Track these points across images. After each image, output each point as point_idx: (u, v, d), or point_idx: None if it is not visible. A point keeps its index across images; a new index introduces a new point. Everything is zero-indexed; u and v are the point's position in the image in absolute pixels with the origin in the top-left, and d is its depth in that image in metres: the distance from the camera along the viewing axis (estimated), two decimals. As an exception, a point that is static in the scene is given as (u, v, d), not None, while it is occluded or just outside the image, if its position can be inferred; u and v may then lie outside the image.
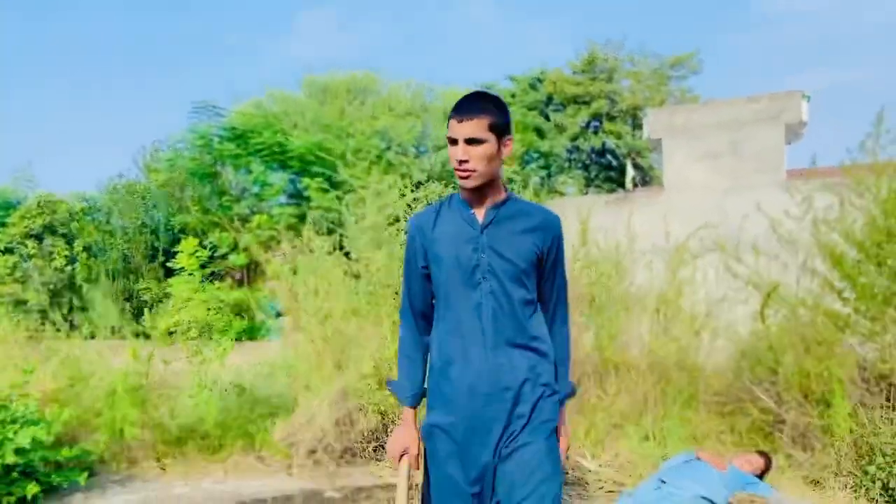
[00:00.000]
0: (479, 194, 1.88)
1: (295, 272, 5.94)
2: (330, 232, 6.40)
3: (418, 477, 2.01)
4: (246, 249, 17.73)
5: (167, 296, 16.52)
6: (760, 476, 3.97)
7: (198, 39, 49.31)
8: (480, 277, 1.84)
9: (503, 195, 1.92)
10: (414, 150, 20.67)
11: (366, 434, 4.71)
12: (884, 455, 3.50)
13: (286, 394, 5.49)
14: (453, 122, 1.82)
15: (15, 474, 3.78)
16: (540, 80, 31.10)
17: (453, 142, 1.83)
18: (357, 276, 5.71)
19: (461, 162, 1.80)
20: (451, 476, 1.85)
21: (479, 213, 1.89)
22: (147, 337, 6.39)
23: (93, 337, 7.61)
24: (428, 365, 1.97)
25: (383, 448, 4.77)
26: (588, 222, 5.21)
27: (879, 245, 4.29)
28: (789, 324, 4.36)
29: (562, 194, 26.29)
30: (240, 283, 17.52)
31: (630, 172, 25.50)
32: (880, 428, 3.71)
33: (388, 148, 18.85)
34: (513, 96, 30.79)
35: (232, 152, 16.51)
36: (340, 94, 20.09)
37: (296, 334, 6.09)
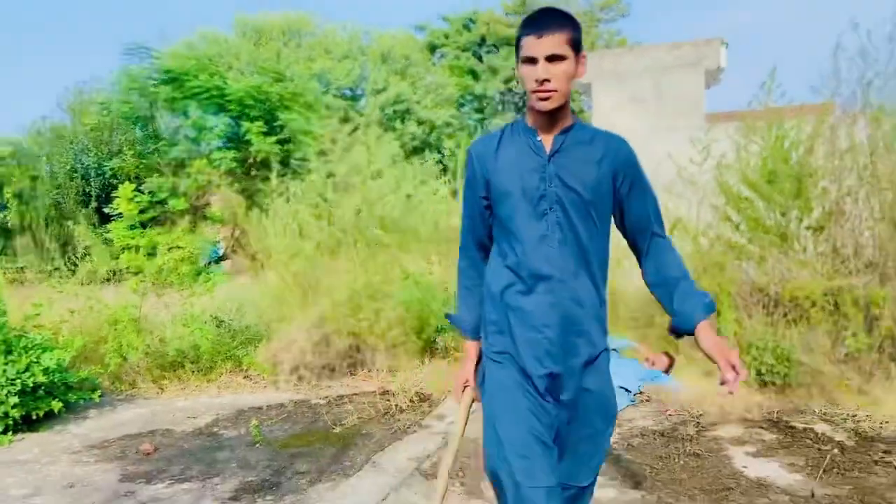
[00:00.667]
0: (549, 119, 1.76)
1: (266, 213, 6.48)
2: (293, 177, 6.92)
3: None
4: (185, 194, 17.79)
5: (106, 242, 16.55)
6: (666, 372, 4.95)
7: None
8: (547, 208, 1.75)
9: (570, 121, 1.80)
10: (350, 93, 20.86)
11: (341, 353, 5.44)
12: (756, 348, 4.50)
13: (259, 325, 6.14)
14: (530, 38, 1.68)
15: (41, 392, 4.34)
16: (473, 21, 31.30)
17: (530, 60, 1.68)
18: (319, 218, 6.32)
19: (542, 82, 1.67)
20: (509, 400, 1.79)
21: (546, 140, 1.78)
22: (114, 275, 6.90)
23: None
24: (485, 295, 1.91)
25: (357, 365, 5.52)
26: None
27: (767, 184, 5.24)
28: (692, 250, 5.31)
29: (496, 137, 27.02)
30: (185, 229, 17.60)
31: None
32: (756, 329, 4.72)
33: (327, 91, 18.98)
34: (446, 37, 30.94)
35: (168, 95, 16.32)
36: (275, 35, 19.90)
37: (263, 273, 6.69)
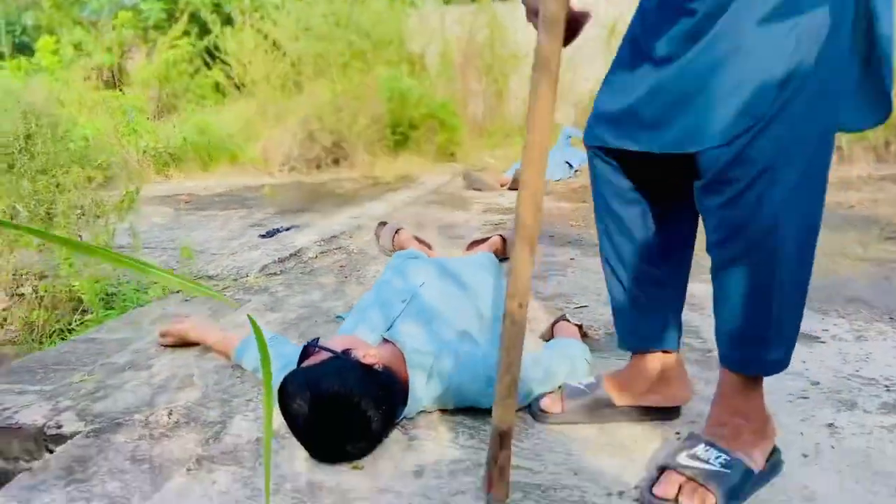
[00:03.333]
0: None
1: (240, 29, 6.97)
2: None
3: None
4: (110, 49, 17.22)
5: (30, 97, 16.09)
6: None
7: None
8: None
9: None
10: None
11: (326, 149, 6.24)
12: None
13: (238, 135, 6.79)
14: None
15: (76, 162, 4.97)
16: None
17: None
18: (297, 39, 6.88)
19: None
20: None
21: None
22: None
23: None
24: None
25: (339, 160, 6.36)
26: None
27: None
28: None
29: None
30: (109, 85, 17.15)
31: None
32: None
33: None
34: None
35: (85, -61, 15.48)
36: None
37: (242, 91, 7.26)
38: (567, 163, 5.60)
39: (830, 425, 1.34)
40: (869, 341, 1.79)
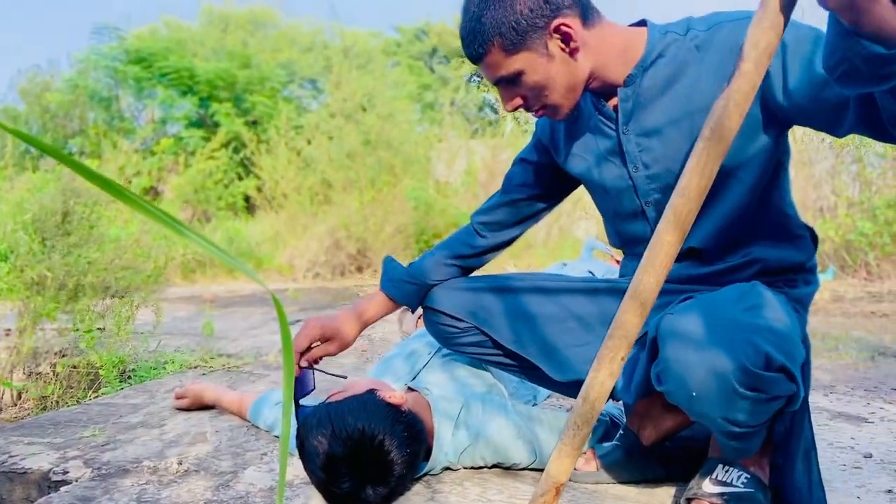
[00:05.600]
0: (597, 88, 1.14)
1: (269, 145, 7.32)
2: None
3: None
4: (149, 173, 18.15)
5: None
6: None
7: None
8: (640, 205, 1.18)
9: (639, 51, 1.10)
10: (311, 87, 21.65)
11: (350, 256, 6.34)
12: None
13: (266, 243, 6.97)
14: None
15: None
16: (425, 32, 32.53)
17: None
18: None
19: (518, 108, 1.14)
20: None
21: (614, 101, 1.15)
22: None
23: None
24: None
25: (363, 267, 6.44)
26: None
27: None
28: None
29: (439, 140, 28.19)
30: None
31: (510, 125, 27.56)
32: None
33: (292, 80, 19.75)
34: (398, 46, 32.02)
35: (136, 75, 16.78)
36: (242, 24, 20.53)
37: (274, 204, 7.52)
38: (590, 272, 5.61)
39: (889, 491, 1.23)
40: (921, 420, 1.69)
